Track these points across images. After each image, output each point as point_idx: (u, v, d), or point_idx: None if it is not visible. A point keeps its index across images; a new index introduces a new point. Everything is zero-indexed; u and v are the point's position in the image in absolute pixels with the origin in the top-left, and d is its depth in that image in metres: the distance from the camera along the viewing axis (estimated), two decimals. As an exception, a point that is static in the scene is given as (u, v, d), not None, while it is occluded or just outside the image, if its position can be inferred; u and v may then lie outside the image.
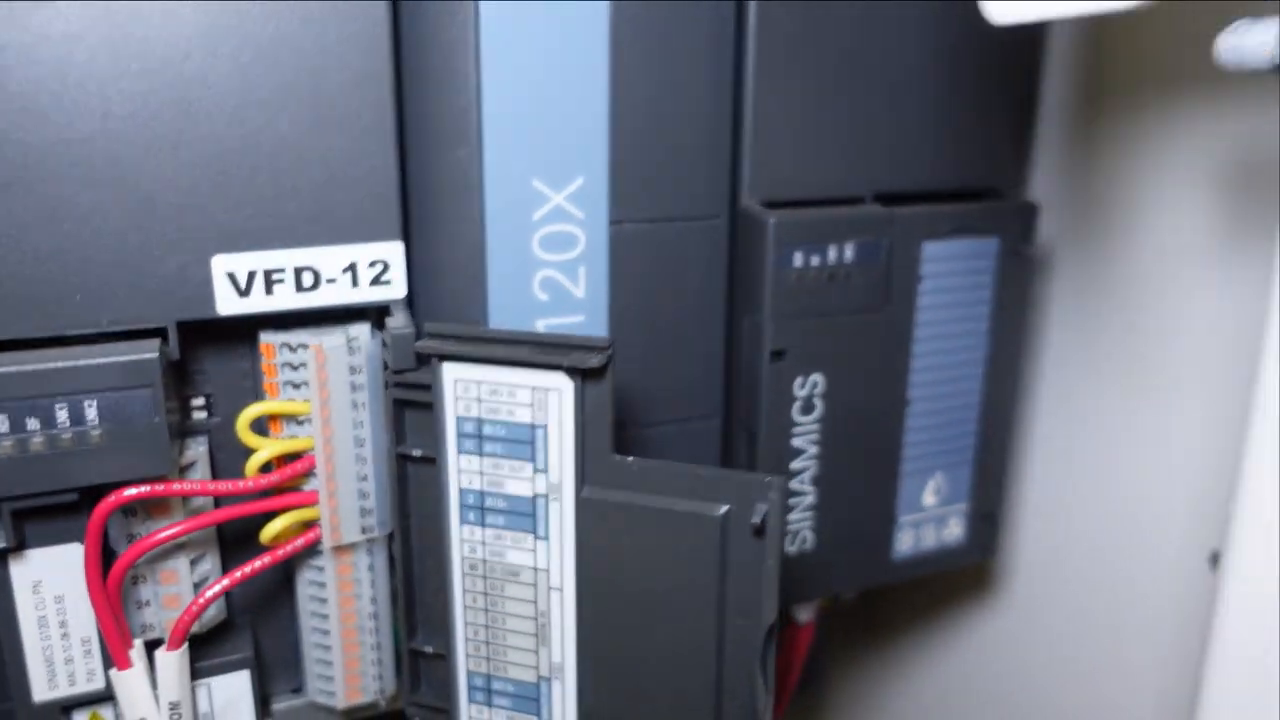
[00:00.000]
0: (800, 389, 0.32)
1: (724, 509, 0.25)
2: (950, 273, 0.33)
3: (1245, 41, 0.21)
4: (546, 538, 0.26)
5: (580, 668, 0.27)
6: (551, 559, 0.27)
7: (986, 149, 0.35)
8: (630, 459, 0.25)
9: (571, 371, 0.25)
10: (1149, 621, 0.35)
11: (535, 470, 0.26)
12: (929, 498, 0.36)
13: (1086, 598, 0.39)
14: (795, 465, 0.33)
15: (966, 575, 0.43)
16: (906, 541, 0.36)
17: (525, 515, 0.26)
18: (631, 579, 0.26)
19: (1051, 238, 0.37)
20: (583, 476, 0.26)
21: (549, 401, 0.25)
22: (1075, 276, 0.38)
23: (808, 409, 0.32)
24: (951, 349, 0.34)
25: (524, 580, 0.27)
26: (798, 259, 0.31)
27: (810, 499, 0.33)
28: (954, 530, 0.37)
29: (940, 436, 0.35)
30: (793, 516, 0.33)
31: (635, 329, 0.31)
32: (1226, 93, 0.23)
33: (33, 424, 0.23)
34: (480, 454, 0.26)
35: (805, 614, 0.37)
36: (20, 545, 0.25)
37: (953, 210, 0.33)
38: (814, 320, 0.31)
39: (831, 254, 0.31)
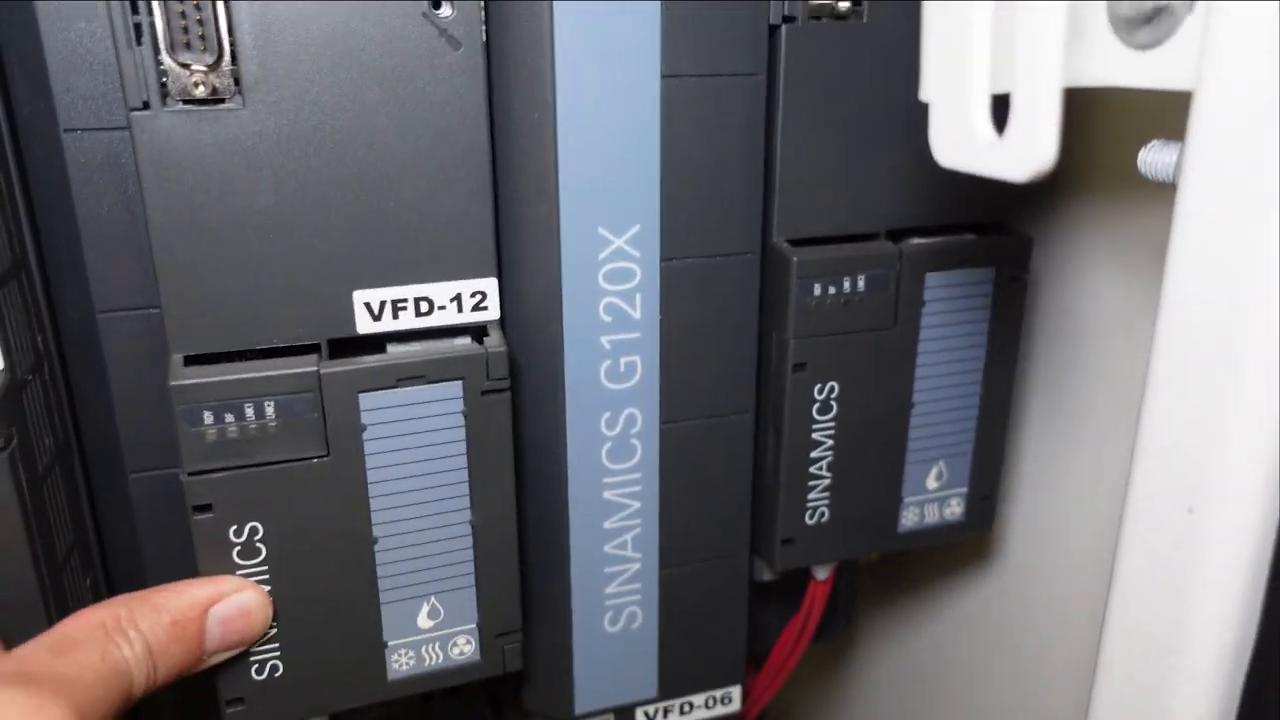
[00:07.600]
0: (819, 394, 0.38)
1: None
2: (951, 297, 0.38)
3: (1156, 159, 0.26)
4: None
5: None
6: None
7: (987, 188, 0.39)
8: None
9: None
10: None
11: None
12: (932, 482, 0.41)
13: (1069, 562, 0.43)
14: (814, 455, 0.39)
15: (967, 543, 0.48)
16: (911, 518, 0.42)
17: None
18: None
19: (1038, 262, 0.42)
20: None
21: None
22: (1057, 295, 0.42)
23: (825, 410, 0.38)
24: (951, 360, 0.39)
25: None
26: (817, 289, 0.36)
27: (827, 481, 0.39)
28: (954, 509, 0.42)
29: (942, 433, 0.40)
30: (811, 495, 0.40)
31: (683, 343, 0.37)
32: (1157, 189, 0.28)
33: (229, 418, 0.31)
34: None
35: (823, 573, 0.43)
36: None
37: (955, 243, 0.38)
38: (830, 338, 0.37)
39: (846, 284, 0.36)
